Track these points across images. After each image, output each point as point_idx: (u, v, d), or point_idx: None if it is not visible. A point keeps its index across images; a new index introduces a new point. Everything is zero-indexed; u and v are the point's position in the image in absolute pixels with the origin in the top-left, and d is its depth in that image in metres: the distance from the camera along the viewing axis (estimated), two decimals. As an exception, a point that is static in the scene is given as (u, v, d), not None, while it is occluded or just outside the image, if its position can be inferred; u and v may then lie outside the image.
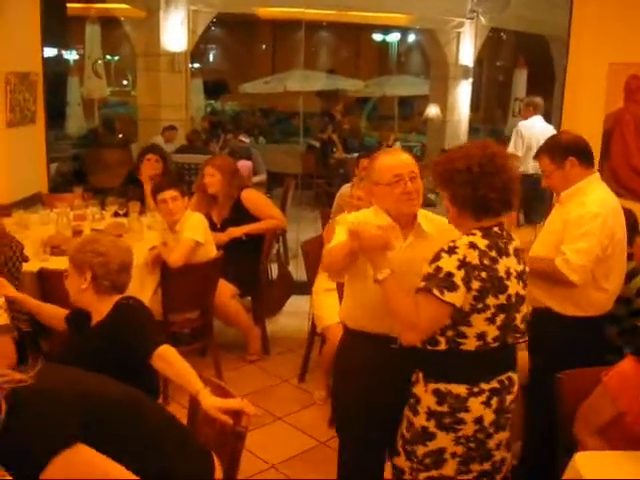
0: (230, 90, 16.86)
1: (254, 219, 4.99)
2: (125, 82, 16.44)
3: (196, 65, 13.54)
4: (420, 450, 2.49)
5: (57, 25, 8.24)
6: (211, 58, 18.51)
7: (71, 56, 12.96)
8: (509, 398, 2.48)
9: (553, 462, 2.71)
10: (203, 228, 4.47)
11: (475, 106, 13.30)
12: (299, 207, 8.91)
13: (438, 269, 2.29)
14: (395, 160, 2.67)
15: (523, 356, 3.37)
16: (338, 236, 2.66)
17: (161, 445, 2.13)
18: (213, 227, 4.81)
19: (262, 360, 5.01)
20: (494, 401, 2.43)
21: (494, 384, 2.43)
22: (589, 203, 3.03)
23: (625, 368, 2.46)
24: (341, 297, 3.79)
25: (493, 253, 2.34)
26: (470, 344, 2.37)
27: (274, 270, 5.88)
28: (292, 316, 5.63)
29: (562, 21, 6.38)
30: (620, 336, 3.41)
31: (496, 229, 2.40)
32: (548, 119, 8.27)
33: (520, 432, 3.52)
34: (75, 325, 2.93)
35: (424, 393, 2.45)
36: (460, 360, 2.39)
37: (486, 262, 2.31)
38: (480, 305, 2.32)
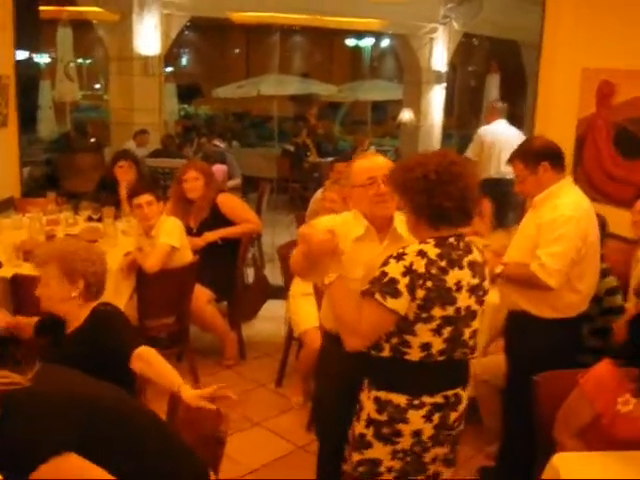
0: (203, 94, 16.81)
1: (230, 223, 4.98)
2: (97, 86, 16.29)
3: (170, 69, 13.47)
4: (355, 457, 2.47)
5: (29, 28, 8.14)
6: (185, 62, 18.43)
7: (43, 59, 12.81)
8: (453, 416, 2.43)
9: (532, 463, 2.74)
10: (179, 233, 4.45)
11: (448, 111, 13.38)
12: (274, 211, 8.92)
13: (383, 274, 2.26)
14: (370, 163, 2.71)
15: (500, 359, 3.42)
16: None
17: (149, 445, 2.11)
18: (189, 231, 4.79)
19: (239, 365, 4.99)
20: (436, 417, 2.38)
21: (438, 399, 2.38)
22: (562, 206, 3.07)
23: (601, 371, 2.49)
24: (319, 301, 3.83)
25: (443, 263, 2.27)
26: (414, 354, 2.32)
27: (250, 274, 5.87)
28: (268, 320, 5.61)
29: (534, 27, 6.47)
30: (592, 335, 3.48)
31: (452, 240, 2.33)
32: (520, 124, 8.38)
33: (497, 434, 3.57)
34: (47, 333, 2.90)
35: (366, 400, 2.43)
36: (403, 370, 2.34)
37: (433, 271, 2.25)
38: (425, 315, 2.27)
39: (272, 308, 5.54)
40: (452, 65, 13.23)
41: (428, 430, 2.38)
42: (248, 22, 12.58)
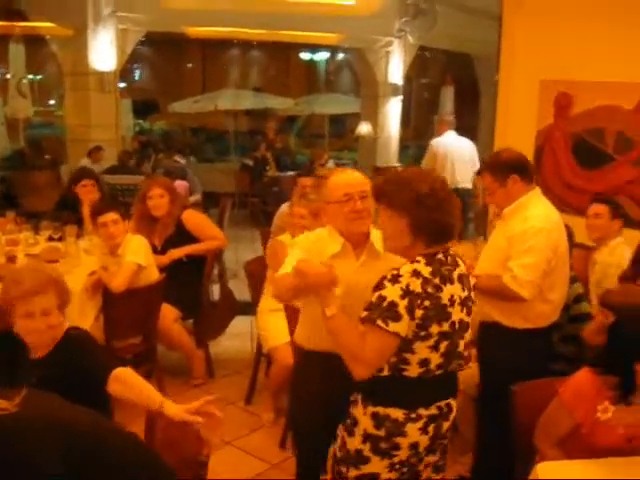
0: (159, 109, 16.68)
1: (195, 240, 4.91)
2: (52, 102, 16.03)
3: (125, 84, 13.33)
4: (352, 473, 2.44)
5: (-20, 44, 8.01)
6: (140, 77, 18.27)
7: (-6, 76, 12.61)
8: (446, 425, 2.46)
9: (507, 473, 2.75)
10: (145, 251, 4.38)
11: (405, 123, 13.54)
12: (236, 226, 8.86)
13: (381, 298, 2.24)
14: (346, 179, 2.69)
15: (473, 369, 3.44)
16: (288, 263, 2.64)
17: (129, 467, 2.06)
18: (154, 249, 4.71)
19: (207, 383, 4.92)
20: (431, 427, 2.40)
21: (433, 410, 2.40)
22: (532, 218, 3.11)
23: (580, 380, 2.51)
24: (290, 318, 3.81)
25: (437, 280, 2.28)
26: (412, 371, 2.33)
27: (215, 291, 5.81)
28: (235, 337, 5.56)
29: (487, 39, 6.58)
30: (562, 342, 3.53)
31: (440, 256, 2.34)
32: (473, 135, 8.52)
33: (471, 444, 3.59)
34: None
35: (362, 416, 2.40)
36: (401, 386, 2.35)
37: (430, 290, 2.25)
38: (423, 333, 2.27)
39: (239, 324, 5.49)
40: (408, 78, 13.39)
41: (424, 441, 2.40)
42: (204, 37, 12.56)
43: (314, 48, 17.00)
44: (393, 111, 12.61)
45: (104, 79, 9.50)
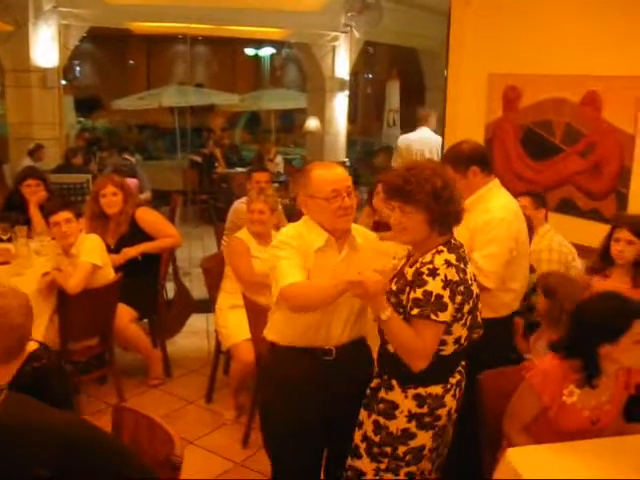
0: (103, 106, 16.34)
1: (149, 238, 4.84)
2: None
3: (68, 81, 13.02)
4: (401, 449, 2.54)
5: None
6: (83, 74, 17.85)
7: None
8: (463, 383, 2.63)
9: (477, 460, 2.80)
10: (100, 250, 4.30)
11: (352, 118, 13.58)
12: (185, 223, 8.75)
13: (427, 293, 2.35)
14: (332, 175, 2.67)
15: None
16: (291, 268, 2.58)
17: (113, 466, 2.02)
18: (107, 249, 4.60)
19: (165, 383, 4.85)
20: (457, 391, 2.58)
21: (457, 376, 2.58)
22: (493, 209, 3.16)
23: (546, 364, 2.58)
24: (251, 315, 3.79)
25: (462, 265, 2.44)
26: (448, 349, 2.47)
27: (170, 290, 5.73)
28: (191, 336, 5.52)
29: (432, 34, 6.65)
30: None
31: (453, 240, 2.50)
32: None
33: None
34: None
35: (403, 399, 2.51)
36: (438, 365, 2.46)
37: (461, 275, 2.42)
38: (459, 314, 2.42)
39: (194, 322, 5.45)
40: (354, 73, 13.44)
41: (455, 405, 2.58)
42: (148, 32, 12.36)
43: (260, 43, 16.92)
44: (340, 106, 12.64)
45: (46, 76, 9.27)
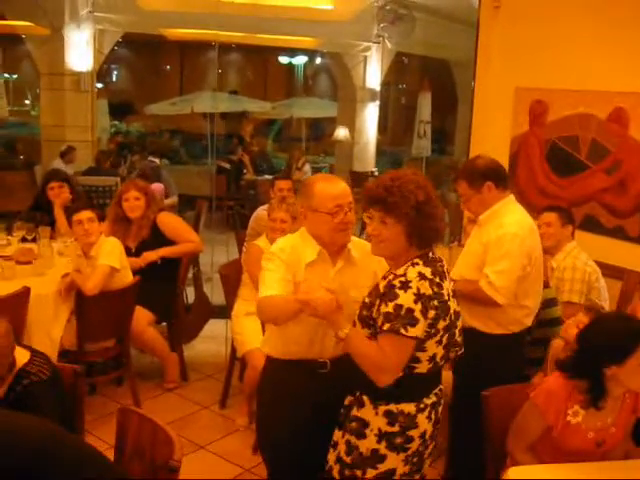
0: (136, 111, 16.55)
1: (170, 243, 4.89)
2: (27, 102, 15.85)
3: (101, 85, 13.22)
4: (370, 473, 2.46)
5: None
6: (117, 78, 18.14)
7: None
8: (440, 409, 2.55)
9: (481, 476, 2.77)
10: (119, 253, 4.34)
11: (382, 128, 13.57)
12: (211, 229, 8.80)
13: (398, 307, 2.29)
14: (336, 190, 2.65)
15: (447, 375, 3.45)
16: (272, 281, 2.59)
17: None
18: (128, 252, 4.66)
19: (181, 387, 4.88)
20: (433, 414, 2.49)
21: (433, 398, 2.49)
22: (507, 225, 3.14)
23: (551, 384, 2.55)
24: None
25: (437, 279, 2.37)
26: (423, 367, 2.40)
27: (190, 294, 5.77)
28: (209, 341, 5.53)
29: (464, 46, 6.62)
30: (532, 346, 3.55)
31: (431, 255, 2.44)
32: (451, 140, 8.51)
33: (442, 450, 3.60)
34: None
35: (374, 416, 2.44)
36: (411, 382, 2.41)
37: (436, 289, 2.34)
38: (433, 330, 2.35)
39: (213, 328, 5.47)
40: (386, 83, 13.44)
41: (430, 429, 2.49)
42: (182, 39, 12.50)
43: (293, 52, 17.01)
44: (370, 116, 12.65)
45: (80, 80, 9.43)
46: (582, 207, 4.98)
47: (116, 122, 15.74)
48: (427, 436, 2.48)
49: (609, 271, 4.41)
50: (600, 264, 4.23)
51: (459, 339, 2.52)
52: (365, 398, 2.47)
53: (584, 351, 2.52)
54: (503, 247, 3.07)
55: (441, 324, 2.37)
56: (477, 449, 2.86)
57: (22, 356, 2.66)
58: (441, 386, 2.56)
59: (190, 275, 5.51)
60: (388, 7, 10.66)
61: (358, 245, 2.76)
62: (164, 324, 5.10)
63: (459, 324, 2.51)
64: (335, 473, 2.56)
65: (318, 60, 17.53)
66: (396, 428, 2.42)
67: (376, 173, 11.87)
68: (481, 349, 3.16)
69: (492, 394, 2.77)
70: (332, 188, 2.65)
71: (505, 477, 2.35)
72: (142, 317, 4.62)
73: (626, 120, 4.68)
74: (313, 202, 2.64)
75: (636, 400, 2.59)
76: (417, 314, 2.28)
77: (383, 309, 2.32)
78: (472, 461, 2.99)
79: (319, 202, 2.62)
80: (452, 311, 2.43)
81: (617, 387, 2.48)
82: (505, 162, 5.20)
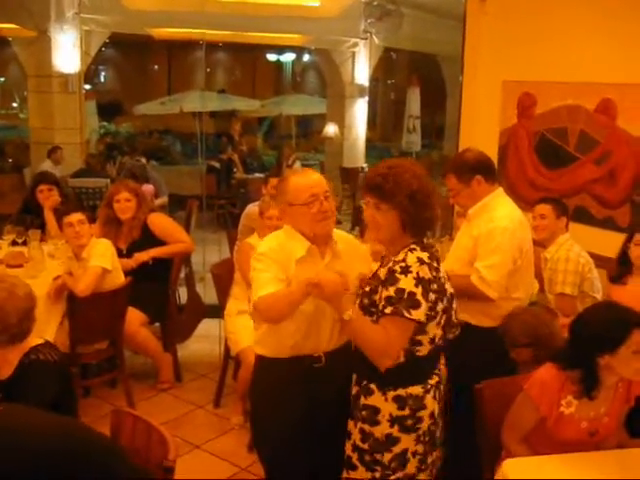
0: (125, 111, 16.51)
1: (161, 243, 4.88)
2: (14, 104, 15.77)
3: (89, 86, 13.18)
4: (386, 457, 2.52)
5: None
6: (105, 79, 18.08)
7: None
8: (442, 386, 2.63)
9: (477, 469, 2.77)
10: (110, 254, 4.34)
11: (372, 124, 13.58)
12: (202, 229, 8.78)
13: (400, 291, 2.35)
14: (309, 180, 2.67)
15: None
16: (267, 281, 2.58)
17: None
18: (119, 253, 4.64)
19: (174, 387, 4.87)
20: (437, 392, 2.57)
21: (435, 378, 2.57)
22: (497, 219, 3.14)
23: (544, 374, 2.56)
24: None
25: (435, 263, 2.45)
26: (424, 350, 2.47)
27: (182, 294, 5.76)
28: (203, 340, 5.52)
29: (452, 40, 6.62)
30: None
31: (426, 240, 2.51)
32: (441, 135, 8.53)
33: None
34: None
35: (384, 402, 2.49)
36: (415, 365, 2.48)
37: (434, 273, 2.42)
38: (433, 313, 2.41)
39: (206, 327, 5.46)
40: (374, 79, 13.44)
41: (437, 407, 2.57)
42: (169, 38, 12.46)
43: (280, 49, 17.00)
44: (360, 112, 12.66)
45: (68, 81, 9.40)
46: (572, 198, 4.98)
47: (105, 123, 15.69)
48: (436, 414, 2.56)
49: (600, 261, 4.43)
50: (591, 255, 4.24)
51: (455, 320, 2.59)
52: (373, 386, 2.51)
53: (576, 341, 2.54)
54: (494, 241, 3.07)
55: (440, 306, 2.44)
56: (471, 442, 2.87)
57: (36, 340, 2.73)
58: (441, 365, 2.64)
59: (182, 275, 5.49)
60: (375, 3, 10.66)
61: (341, 237, 2.79)
62: (157, 325, 5.09)
63: (454, 305, 2.58)
64: (355, 461, 2.59)
65: (306, 57, 17.53)
66: (406, 411, 2.49)
67: (366, 169, 11.86)
68: (473, 342, 3.17)
69: (485, 387, 2.77)
70: (305, 179, 2.67)
71: (500, 471, 2.35)
72: (135, 318, 4.61)
73: (614, 111, 4.69)
74: (289, 197, 2.66)
75: (629, 390, 2.60)
76: (419, 297, 2.35)
77: (385, 294, 2.38)
78: (466, 456, 2.99)
79: (294, 195, 2.64)
80: (448, 293, 2.52)
81: (610, 376, 2.50)
82: (494, 155, 5.20)
